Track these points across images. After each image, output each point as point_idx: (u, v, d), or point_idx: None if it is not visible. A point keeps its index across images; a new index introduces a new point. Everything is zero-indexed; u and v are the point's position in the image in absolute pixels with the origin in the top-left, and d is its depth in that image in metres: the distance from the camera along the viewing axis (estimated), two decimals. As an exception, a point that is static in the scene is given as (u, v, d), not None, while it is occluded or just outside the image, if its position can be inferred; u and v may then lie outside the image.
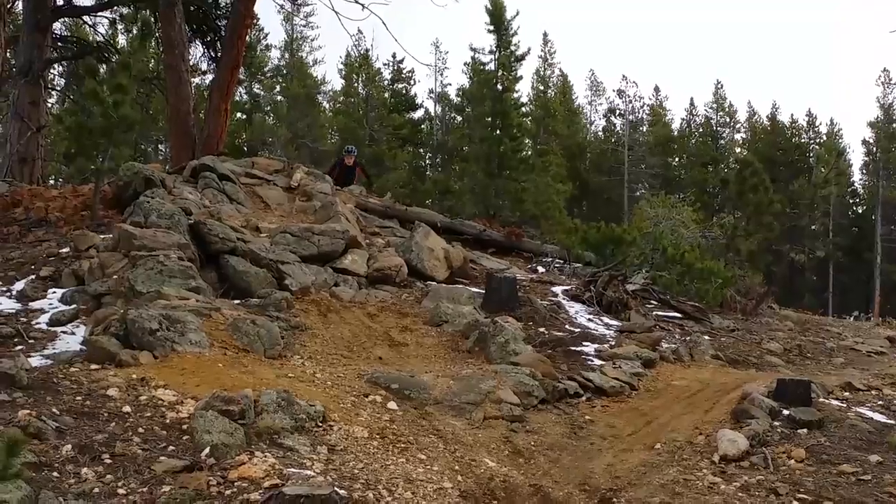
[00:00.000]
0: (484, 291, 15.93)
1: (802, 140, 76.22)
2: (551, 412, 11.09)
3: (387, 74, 64.68)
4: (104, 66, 22.14)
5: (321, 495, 6.68)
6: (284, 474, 7.25)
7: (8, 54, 23.03)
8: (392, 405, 9.79)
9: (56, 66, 29.14)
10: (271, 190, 18.82)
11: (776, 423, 10.19)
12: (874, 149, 71.75)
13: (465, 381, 10.79)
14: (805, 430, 10.02)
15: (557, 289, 18.33)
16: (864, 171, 75.41)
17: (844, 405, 11.37)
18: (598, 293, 17.39)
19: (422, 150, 67.60)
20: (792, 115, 80.00)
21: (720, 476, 8.77)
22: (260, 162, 21.26)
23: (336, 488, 7.12)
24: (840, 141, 75.92)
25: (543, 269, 21.64)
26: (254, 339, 10.93)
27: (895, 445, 9.76)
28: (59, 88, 32.54)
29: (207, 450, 7.52)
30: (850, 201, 75.87)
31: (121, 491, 6.84)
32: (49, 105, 28.62)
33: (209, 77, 28.65)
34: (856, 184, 76.55)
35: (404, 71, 64.22)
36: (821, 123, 77.24)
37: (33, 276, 13.21)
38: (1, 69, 8.99)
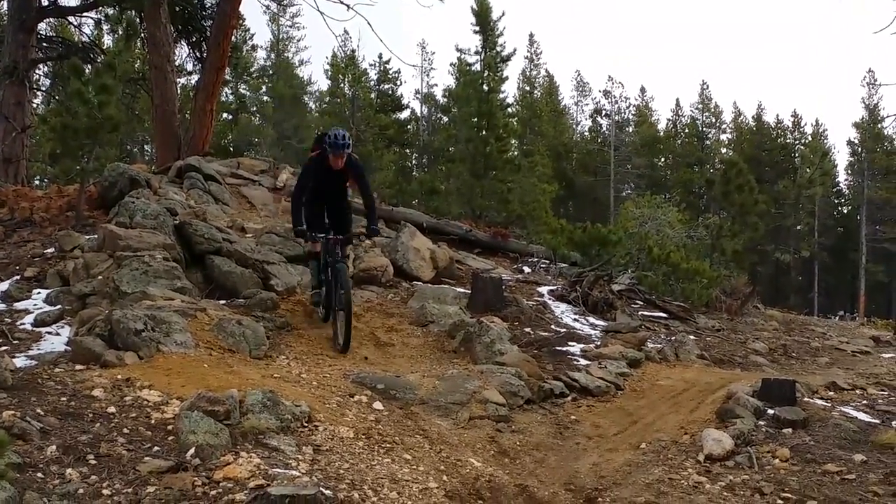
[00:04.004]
0: (470, 292, 15.94)
1: (788, 140, 76.58)
2: (537, 412, 11.09)
3: (373, 75, 64.74)
4: (89, 66, 22.14)
5: (306, 495, 6.68)
6: (270, 474, 7.24)
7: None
8: (378, 405, 9.78)
9: (41, 66, 29.02)
10: (257, 190, 18.83)
11: (761, 423, 10.21)
12: (859, 149, 72.06)
13: (451, 382, 10.80)
14: (790, 430, 10.04)
15: (543, 289, 18.34)
16: (849, 172, 75.88)
17: (829, 405, 11.39)
18: (583, 293, 17.42)
19: (408, 151, 67.68)
20: (777, 115, 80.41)
21: (705, 475, 8.78)
22: (245, 162, 21.29)
23: (321, 488, 7.12)
24: (825, 141, 76.33)
25: (529, 270, 21.67)
26: (239, 339, 10.92)
27: (879, 445, 9.80)
28: (44, 89, 32.43)
29: (193, 450, 7.50)
30: (835, 201, 76.31)
31: (105, 492, 6.83)
32: (34, 105, 28.55)
33: (195, 77, 28.58)
34: (841, 184, 77.05)
35: (390, 71, 64.34)
36: (806, 124, 77.88)
37: (18, 277, 13.17)
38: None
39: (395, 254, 16.92)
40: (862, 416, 11.05)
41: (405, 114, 66.70)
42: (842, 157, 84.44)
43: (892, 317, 38.81)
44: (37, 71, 28.61)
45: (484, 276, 16.83)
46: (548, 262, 22.94)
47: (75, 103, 16.26)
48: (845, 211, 76.51)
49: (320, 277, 12.74)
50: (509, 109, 50.03)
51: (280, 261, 14.63)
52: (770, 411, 10.49)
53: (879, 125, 69.28)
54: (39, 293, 12.57)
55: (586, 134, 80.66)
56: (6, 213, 16.53)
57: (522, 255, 23.22)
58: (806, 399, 11.36)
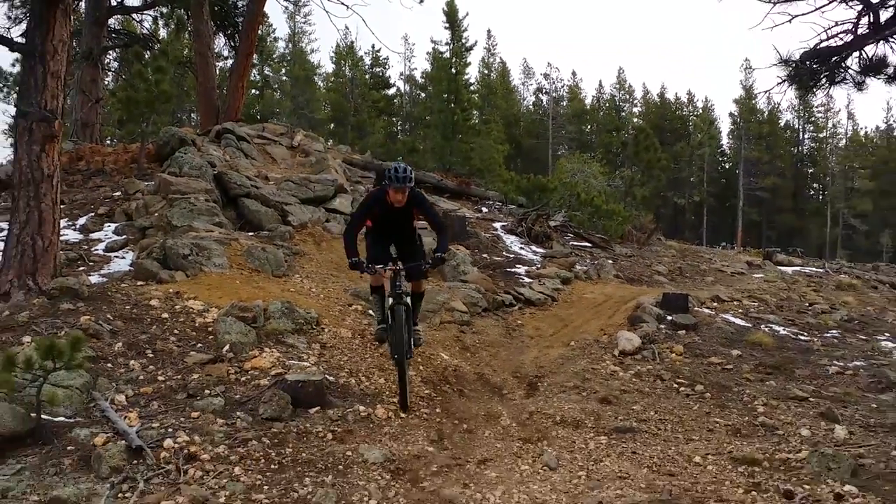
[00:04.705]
0: (441, 226, 15.90)
1: (684, 112, 76.43)
2: (491, 318, 11.16)
3: (367, 60, 63.99)
4: (148, 52, 21.84)
5: (315, 381, 6.73)
6: (287, 365, 7.30)
7: (74, 43, 22.58)
8: (370, 312, 9.76)
9: (111, 52, 28.51)
10: (277, 148, 18.58)
11: (662, 326, 10.33)
12: (738, 119, 72.04)
13: (427, 294, 10.80)
14: (683, 332, 10.17)
15: (497, 225, 18.33)
16: (731, 137, 75.76)
17: (713, 313, 11.53)
18: (527, 228, 17.48)
19: (394, 119, 67.19)
20: (676, 93, 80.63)
21: (619, 366, 8.87)
22: (269, 127, 20.95)
23: (326, 375, 7.18)
24: (712, 113, 76.36)
25: (486, 210, 21.63)
26: (263, 262, 10.89)
27: (751, 343, 9.96)
28: (113, 69, 31.88)
29: (227, 346, 7.56)
30: (720, 159, 76.34)
31: (160, 378, 6.87)
32: (105, 82, 28.12)
33: (229, 62, 28.19)
34: (724, 146, 76.96)
35: (381, 58, 63.64)
36: (698, 100, 77.67)
37: (93, 214, 13.09)
38: (67, 54, 8.90)
39: (382, 197, 16.78)
40: (738, 322, 11.22)
41: (392, 91, 66.26)
42: (725, 126, 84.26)
43: (762, 247, 39.13)
44: (107, 56, 28.15)
45: (452, 214, 16.82)
46: (500, 204, 22.97)
47: (137, 81, 16.24)
48: (727, 167, 76.43)
49: (385, 312, 7.99)
50: (472, 88, 49.66)
51: (295, 202, 14.52)
52: (669, 317, 10.60)
53: (753, 101, 69.12)
54: (109, 226, 12.52)
55: (531, 107, 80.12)
56: (84, 165, 16.41)
57: (481, 199, 23.18)
58: (696, 308, 11.48)
